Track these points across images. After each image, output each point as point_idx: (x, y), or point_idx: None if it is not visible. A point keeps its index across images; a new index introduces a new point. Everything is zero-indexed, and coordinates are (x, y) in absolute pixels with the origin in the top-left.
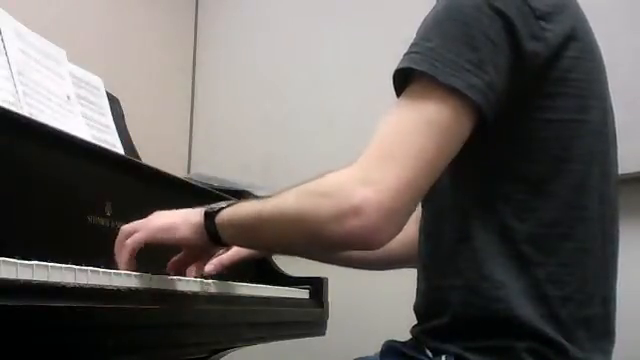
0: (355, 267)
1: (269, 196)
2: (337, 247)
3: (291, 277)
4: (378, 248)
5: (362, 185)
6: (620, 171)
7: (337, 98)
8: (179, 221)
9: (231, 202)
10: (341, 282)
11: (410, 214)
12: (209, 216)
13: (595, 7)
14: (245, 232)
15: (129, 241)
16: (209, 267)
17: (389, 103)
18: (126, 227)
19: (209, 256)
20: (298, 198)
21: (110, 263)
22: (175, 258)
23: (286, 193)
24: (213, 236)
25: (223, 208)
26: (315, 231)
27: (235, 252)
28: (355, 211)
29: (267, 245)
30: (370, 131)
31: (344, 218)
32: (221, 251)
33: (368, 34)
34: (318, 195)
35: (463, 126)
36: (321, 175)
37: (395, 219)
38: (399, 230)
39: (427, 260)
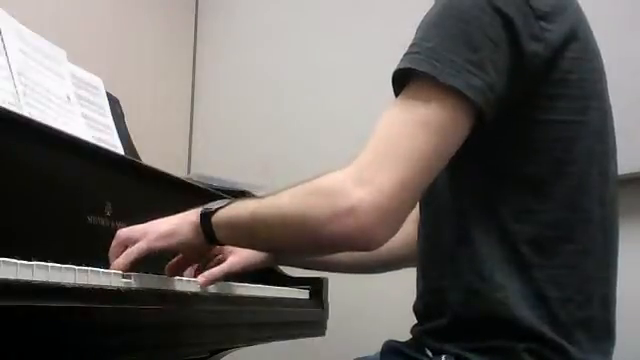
0: (356, 272)
1: (265, 195)
2: (332, 248)
3: (291, 277)
4: (374, 249)
5: (358, 185)
6: (620, 171)
7: (337, 98)
8: (177, 224)
9: (228, 201)
10: (341, 282)
11: (407, 214)
12: (205, 216)
13: (595, 7)
14: (241, 233)
15: (132, 250)
16: (201, 279)
17: (389, 103)
18: (122, 232)
19: (206, 256)
20: (294, 198)
21: (110, 263)
22: (173, 261)
23: (282, 193)
24: (209, 236)
25: (219, 208)
26: (310, 231)
27: (232, 263)
28: (350, 212)
29: (263, 245)
30: (370, 131)
31: (339, 218)
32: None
33: (368, 34)
34: (314, 195)
35: (462, 127)
36: (318, 175)
37: (391, 220)
38: (395, 231)
39: (426, 261)
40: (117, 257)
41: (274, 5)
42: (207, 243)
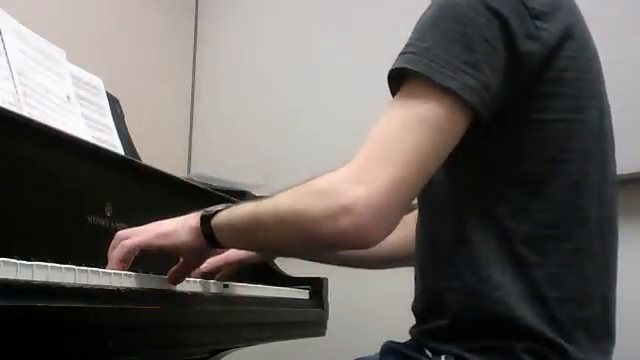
0: (355, 267)
1: (264, 197)
2: (330, 246)
3: (291, 277)
4: (371, 247)
5: (354, 184)
6: (619, 171)
7: (337, 98)
8: (177, 227)
9: (228, 205)
10: (341, 282)
11: (403, 213)
12: (205, 219)
13: (595, 8)
14: (241, 234)
15: (128, 242)
16: (202, 265)
17: (388, 104)
18: (122, 232)
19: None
20: (291, 198)
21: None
22: (174, 269)
23: (280, 194)
24: (210, 239)
25: (219, 211)
26: (308, 230)
27: (230, 255)
28: (347, 210)
29: (263, 246)
30: (369, 131)
31: (336, 217)
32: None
33: (368, 34)
34: (311, 195)
35: (457, 126)
36: (315, 176)
37: (387, 218)
38: (392, 229)
39: (424, 261)
40: None
41: (274, 5)
42: (208, 246)
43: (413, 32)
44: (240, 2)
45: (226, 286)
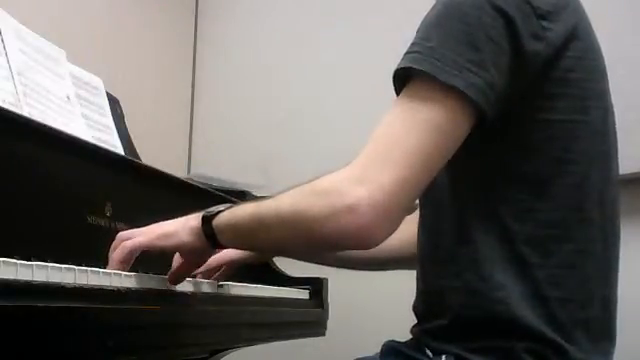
0: (355, 268)
1: (266, 197)
2: (332, 246)
3: (291, 277)
4: (373, 247)
5: (357, 184)
6: (621, 171)
7: (337, 98)
8: (178, 227)
9: (229, 205)
10: (341, 282)
11: (405, 213)
12: (206, 220)
13: (595, 7)
14: (242, 234)
15: (129, 242)
16: (198, 270)
17: (389, 103)
18: (123, 233)
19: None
20: (293, 198)
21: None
22: (174, 269)
23: (282, 195)
24: (211, 239)
25: (221, 211)
26: (310, 230)
27: (227, 256)
28: (349, 209)
29: (265, 247)
30: (370, 131)
31: (338, 216)
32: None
33: (368, 34)
34: (313, 195)
35: (462, 126)
36: (317, 176)
37: (389, 217)
38: (394, 229)
39: (426, 260)
40: None
41: (274, 5)
42: (210, 247)
43: (418, 31)
44: (240, 2)
45: (220, 286)
